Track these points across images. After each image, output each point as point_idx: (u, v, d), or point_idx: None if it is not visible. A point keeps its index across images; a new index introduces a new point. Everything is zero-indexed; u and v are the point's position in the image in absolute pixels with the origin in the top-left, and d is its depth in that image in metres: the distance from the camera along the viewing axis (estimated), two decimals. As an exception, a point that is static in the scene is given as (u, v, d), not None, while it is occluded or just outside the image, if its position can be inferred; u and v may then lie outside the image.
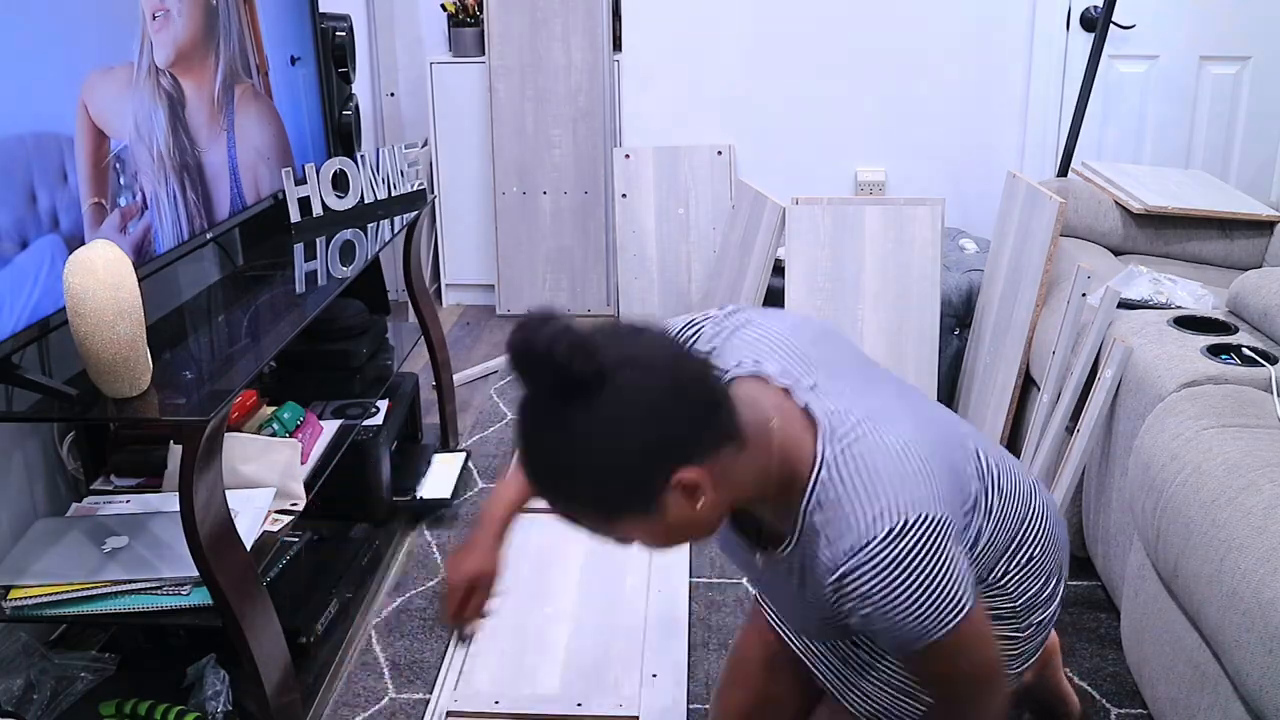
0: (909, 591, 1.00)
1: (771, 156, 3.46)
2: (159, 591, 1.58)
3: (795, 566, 1.09)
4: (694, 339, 1.17)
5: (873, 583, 1.00)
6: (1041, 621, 1.31)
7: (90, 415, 1.52)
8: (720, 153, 3.40)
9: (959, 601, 1.02)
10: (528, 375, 0.91)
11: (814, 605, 1.10)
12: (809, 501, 1.04)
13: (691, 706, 1.83)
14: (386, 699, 1.88)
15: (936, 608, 1.01)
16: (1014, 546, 1.22)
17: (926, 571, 1.01)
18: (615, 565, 2.25)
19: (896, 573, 1.00)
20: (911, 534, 0.99)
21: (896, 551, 1.00)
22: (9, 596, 1.56)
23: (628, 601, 2.13)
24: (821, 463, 1.03)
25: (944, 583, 1.01)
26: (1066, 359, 2.18)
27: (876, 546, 0.99)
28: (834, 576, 1.01)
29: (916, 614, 1.01)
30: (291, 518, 1.77)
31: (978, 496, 1.13)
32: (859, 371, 1.15)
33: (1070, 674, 1.90)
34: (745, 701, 1.51)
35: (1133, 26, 3.49)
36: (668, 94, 3.53)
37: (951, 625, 1.02)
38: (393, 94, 3.95)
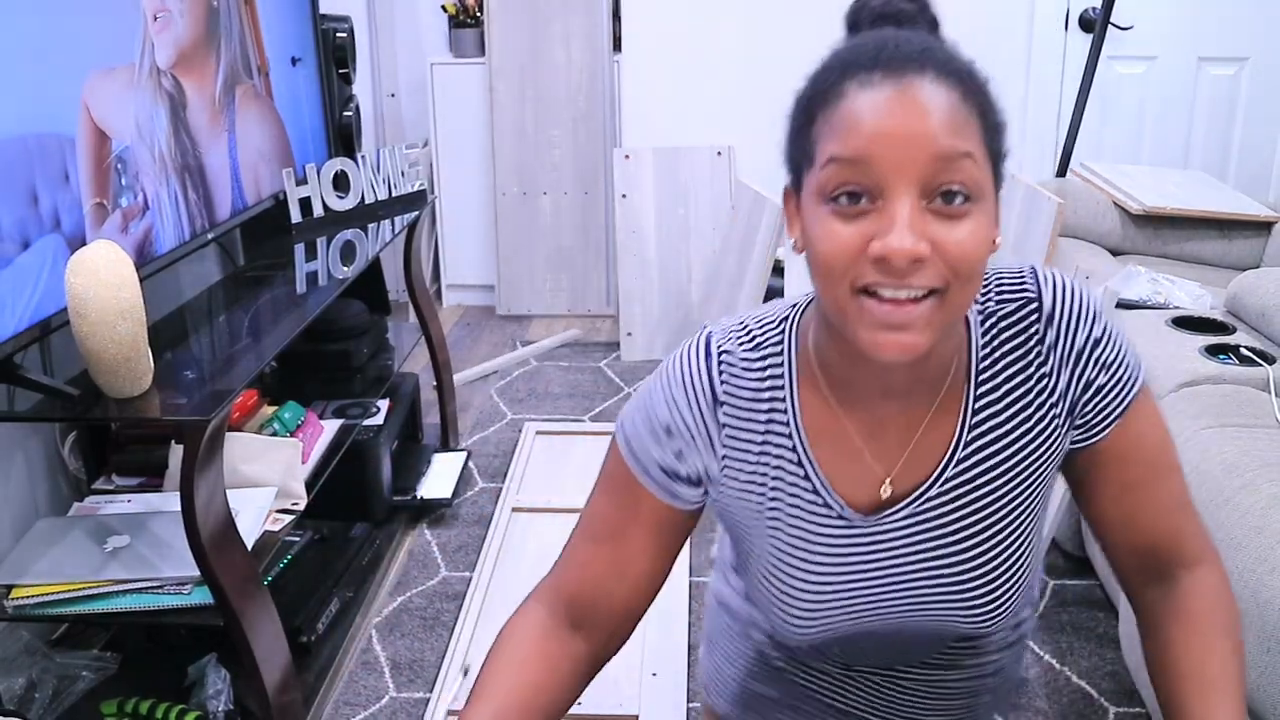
0: (1097, 301, 0.90)
1: (771, 156, 3.47)
2: (160, 591, 1.58)
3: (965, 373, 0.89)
4: None
5: (1070, 291, 0.88)
6: None
7: (92, 415, 1.52)
8: (720, 153, 3.40)
9: None
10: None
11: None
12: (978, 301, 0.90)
13: (691, 706, 1.83)
14: (387, 698, 1.89)
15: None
16: None
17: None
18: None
19: (1075, 284, 0.89)
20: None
21: (1050, 271, 0.90)
22: (11, 596, 1.56)
23: (627, 601, 2.14)
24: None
25: None
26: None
27: (1038, 269, 0.89)
28: (1038, 297, 0.88)
29: (1116, 327, 0.89)
30: (292, 517, 1.78)
31: None
32: None
33: (1069, 673, 1.91)
34: None
35: (1131, 28, 3.49)
36: (668, 94, 3.54)
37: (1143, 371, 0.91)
38: (393, 95, 3.96)
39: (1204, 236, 2.71)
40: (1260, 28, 3.52)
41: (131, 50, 1.77)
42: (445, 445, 2.77)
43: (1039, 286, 0.87)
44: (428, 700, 1.87)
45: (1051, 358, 0.88)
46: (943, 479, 0.89)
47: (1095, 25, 3.10)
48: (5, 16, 1.45)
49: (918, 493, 0.90)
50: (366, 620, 2.11)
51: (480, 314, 3.96)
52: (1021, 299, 0.88)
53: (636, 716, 1.81)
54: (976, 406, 0.89)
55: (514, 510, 2.48)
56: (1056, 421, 0.89)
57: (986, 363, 0.88)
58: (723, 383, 0.90)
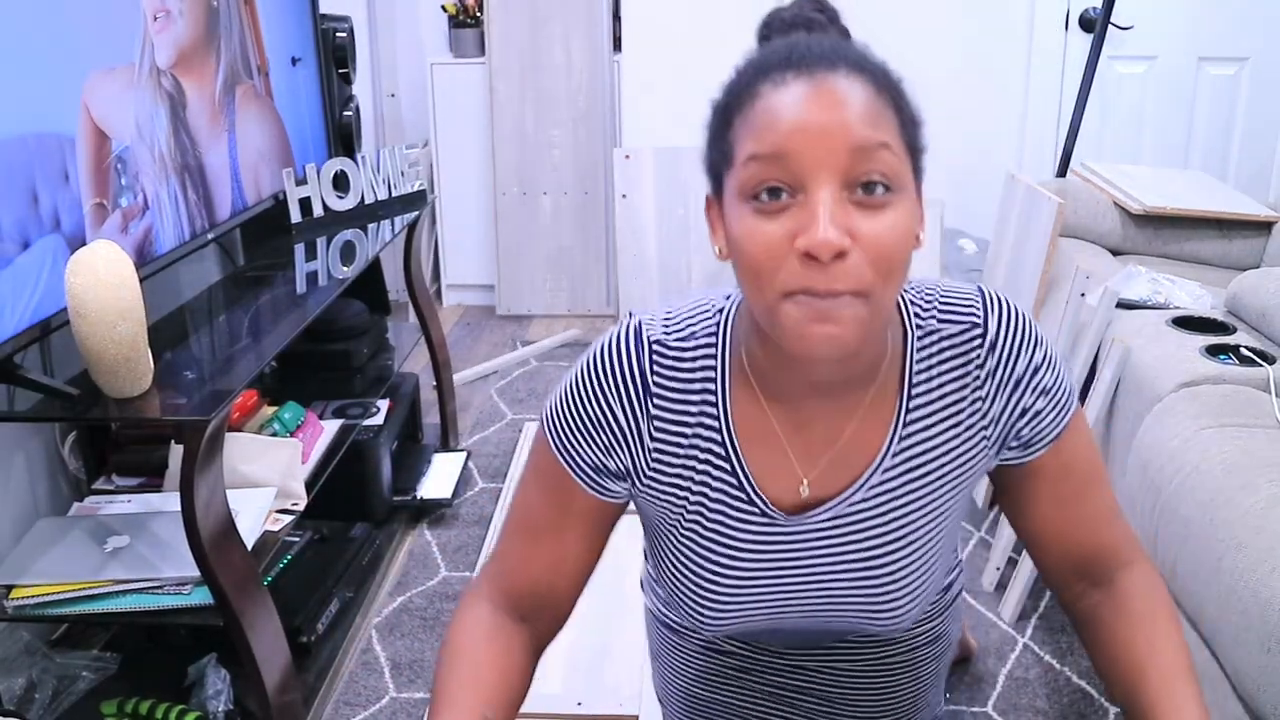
0: (1037, 327, 0.90)
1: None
2: (160, 591, 1.58)
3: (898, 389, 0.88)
4: None
5: (1015, 319, 0.88)
6: None
7: (92, 415, 1.52)
8: (720, 153, 3.40)
9: None
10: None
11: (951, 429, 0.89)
12: (906, 308, 0.89)
13: (691, 706, 1.83)
14: (387, 698, 1.89)
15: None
16: None
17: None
18: (615, 565, 2.25)
19: (1021, 311, 0.89)
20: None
21: (1000, 295, 0.90)
22: (11, 596, 1.56)
23: (628, 601, 2.14)
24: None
25: None
26: (1065, 359, 2.18)
27: (987, 293, 0.89)
28: (983, 323, 0.87)
29: (1055, 351, 0.90)
30: (292, 517, 1.78)
31: None
32: None
33: (1069, 673, 1.91)
34: None
35: (1131, 27, 3.49)
36: (668, 94, 3.54)
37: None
38: (393, 95, 3.96)
39: (1204, 236, 2.70)
40: (1260, 28, 3.52)
41: (131, 50, 1.77)
42: (445, 445, 2.76)
43: (985, 311, 0.87)
44: (428, 700, 1.87)
45: (989, 384, 0.87)
46: (868, 485, 0.89)
47: (1095, 25, 3.10)
48: (5, 16, 1.45)
49: (841, 496, 0.90)
50: (366, 620, 2.11)
51: (480, 314, 3.96)
52: (967, 322, 0.87)
53: (636, 717, 1.81)
54: (908, 419, 0.88)
55: (514, 510, 2.48)
56: (985, 444, 0.89)
57: (922, 377, 0.88)
58: (654, 373, 0.89)
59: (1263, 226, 2.70)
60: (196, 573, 1.51)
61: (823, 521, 0.91)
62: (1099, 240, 2.76)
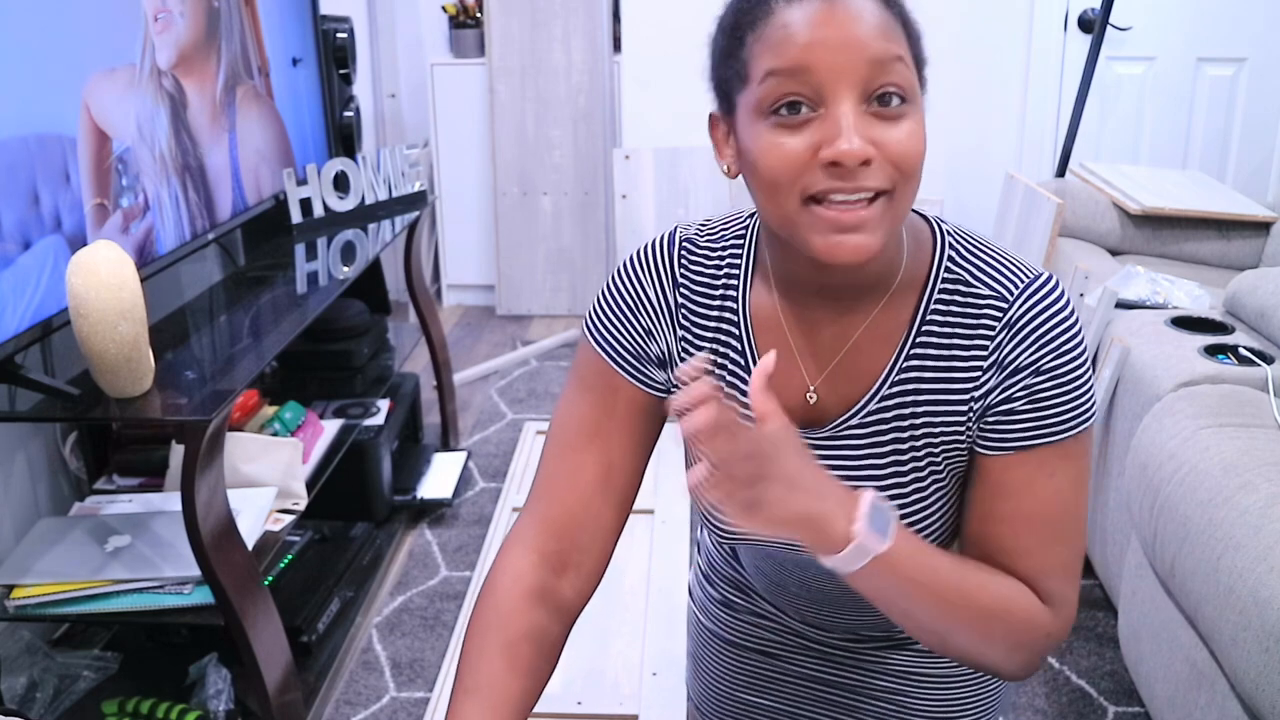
0: (1076, 345, 0.84)
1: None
2: (161, 590, 1.58)
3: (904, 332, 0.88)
4: None
5: (1051, 316, 0.83)
6: None
7: (93, 415, 1.52)
8: (719, 153, 3.40)
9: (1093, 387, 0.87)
10: None
11: (940, 399, 0.87)
12: (942, 242, 0.88)
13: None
14: (388, 697, 1.89)
15: (1089, 382, 0.85)
16: None
17: (1081, 334, 0.85)
18: (615, 564, 2.25)
19: (1066, 317, 0.84)
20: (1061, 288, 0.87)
21: (1060, 295, 0.85)
22: (12, 595, 1.57)
23: (627, 600, 2.14)
24: (940, 226, 0.90)
25: (1086, 356, 0.86)
26: (1093, 402, 2.18)
27: (1045, 282, 0.85)
28: (1011, 300, 0.84)
29: (1080, 377, 0.84)
30: (293, 517, 1.78)
31: None
32: None
33: (1069, 673, 1.91)
34: None
35: (1130, 28, 3.50)
36: (668, 94, 3.54)
37: (1092, 412, 0.86)
38: (394, 95, 3.96)
39: (1203, 237, 2.71)
40: (1259, 28, 3.52)
41: (132, 51, 1.77)
42: (445, 445, 2.77)
43: (1022, 292, 0.84)
44: (428, 700, 1.87)
45: (992, 356, 0.85)
46: (864, 411, 0.88)
47: (1094, 26, 3.10)
48: (6, 17, 1.45)
49: (840, 419, 0.89)
50: (367, 620, 2.12)
51: (480, 314, 3.97)
52: (997, 292, 0.85)
53: (636, 716, 1.82)
54: (911, 352, 0.87)
55: (514, 510, 2.48)
56: (970, 413, 0.86)
57: (939, 317, 0.86)
58: (682, 267, 0.92)
59: (1261, 226, 2.70)
60: (197, 572, 1.52)
61: (823, 440, 0.90)
62: (1098, 240, 2.76)
